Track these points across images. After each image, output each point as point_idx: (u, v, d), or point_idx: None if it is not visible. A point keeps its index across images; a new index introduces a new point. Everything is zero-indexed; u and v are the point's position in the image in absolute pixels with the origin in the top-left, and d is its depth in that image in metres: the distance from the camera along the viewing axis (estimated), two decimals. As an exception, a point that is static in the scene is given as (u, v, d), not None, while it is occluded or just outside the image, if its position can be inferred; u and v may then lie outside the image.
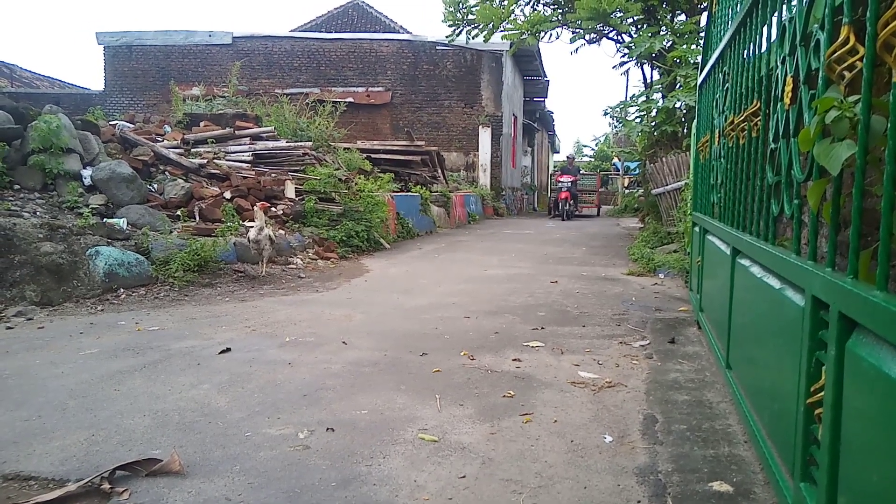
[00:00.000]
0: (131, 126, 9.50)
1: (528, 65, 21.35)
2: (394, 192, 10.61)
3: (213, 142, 9.07)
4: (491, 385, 2.84)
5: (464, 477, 1.94)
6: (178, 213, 6.66)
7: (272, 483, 1.89)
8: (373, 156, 12.70)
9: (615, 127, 14.53)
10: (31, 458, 2.03)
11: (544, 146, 32.38)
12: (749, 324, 2.30)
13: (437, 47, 17.98)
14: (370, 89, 18.32)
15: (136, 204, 6.39)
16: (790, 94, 1.82)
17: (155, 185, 7.27)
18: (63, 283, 4.60)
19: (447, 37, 13.02)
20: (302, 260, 6.82)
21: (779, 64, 1.99)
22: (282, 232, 7.01)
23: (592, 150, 40.13)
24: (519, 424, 2.37)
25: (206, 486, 1.87)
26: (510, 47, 14.11)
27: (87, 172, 6.49)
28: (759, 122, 2.29)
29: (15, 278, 4.36)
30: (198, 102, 12.45)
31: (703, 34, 4.93)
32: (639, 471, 1.99)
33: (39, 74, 22.99)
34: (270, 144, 9.45)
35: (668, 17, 10.61)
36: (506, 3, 11.92)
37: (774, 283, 1.89)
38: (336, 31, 20.64)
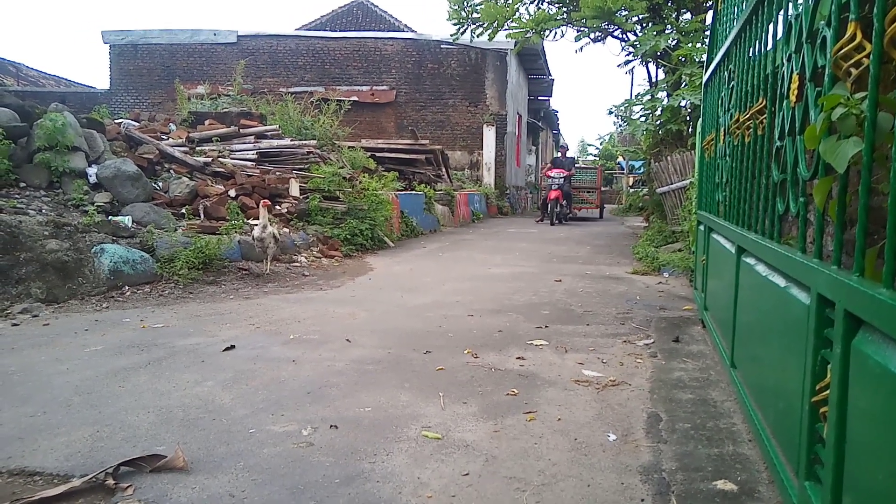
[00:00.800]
0: (136, 124, 9.52)
1: (533, 63, 21.31)
2: (398, 190, 10.61)
3: (217, 140, 9.07)
4: (494, 383, 2.84)
5: (467, 474, 1.94)
6: (183, 210, 6.69)
7: (276, 479, 1.90)
8: (377, 154, 12.71)
9: (620, 126, 14.45)
10: (36, 454, 2.04)
11: (549, 145, 32.33)
12: (754, 322, 2.29)
13: (442, 46, 17.96)
14: (375, 88, 18.32)
15: (141, 202, 6.41)
16: (796, 92, 1.81)
17: (160, 183, 7.29)
18: (68, 280, 4.62)
19: (451, 35, 13.01)
20: (306, 258, 6.83)
21: (785, 61, 1.98)
22: (286, 230, 7.01)
23: (597, 148, 40.04)
24: (522, 422, 2.37)
25: (209, 482, 1.87)
26: (515, 46, 14.09)
27: (92, 170, 6.51)
28: (764, 120, 2.28)
29: (21, 275, 4.38)
30: (203, 101, 12.47)
31: (708, 32, 4.91)
32: (643, 469, 1.99)
33: (45, 73, 23.13)
34: (275, 143, 9.45)
35: (674, 15, 10.58)
36: (510, 1, 11.91)
37: (780, 281, 1.88)
38: (341, 30, 20.67)
